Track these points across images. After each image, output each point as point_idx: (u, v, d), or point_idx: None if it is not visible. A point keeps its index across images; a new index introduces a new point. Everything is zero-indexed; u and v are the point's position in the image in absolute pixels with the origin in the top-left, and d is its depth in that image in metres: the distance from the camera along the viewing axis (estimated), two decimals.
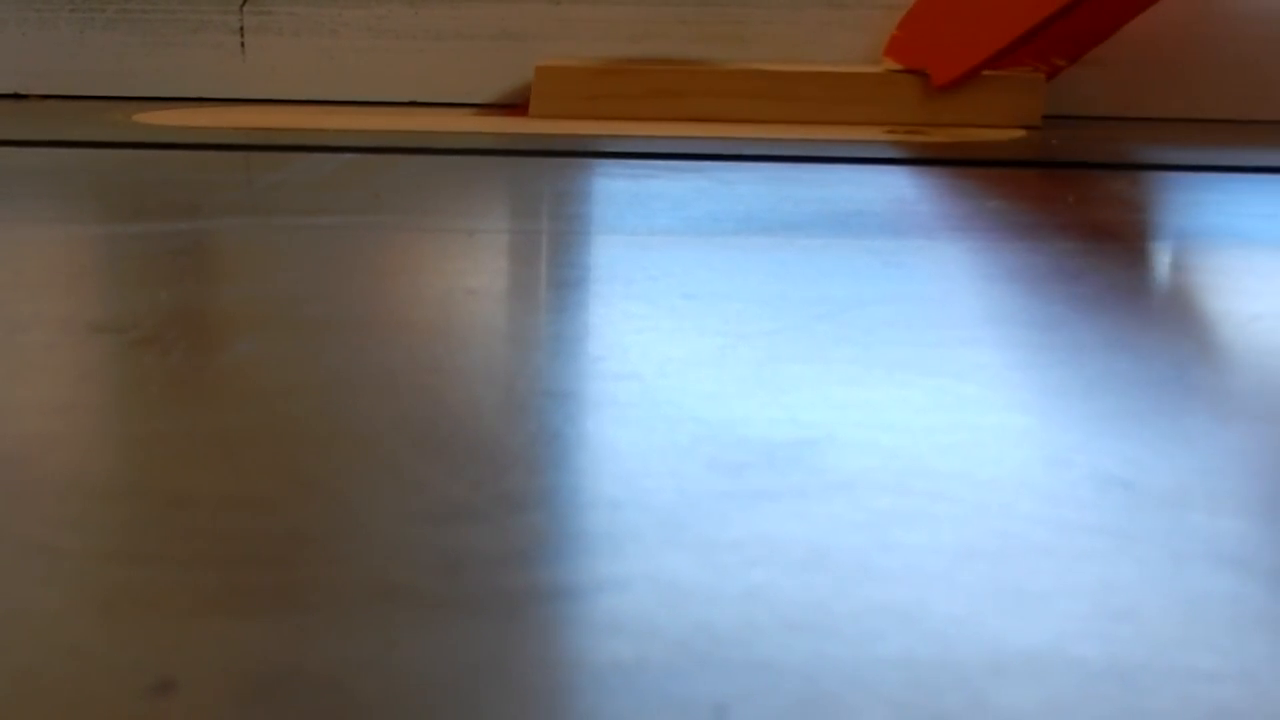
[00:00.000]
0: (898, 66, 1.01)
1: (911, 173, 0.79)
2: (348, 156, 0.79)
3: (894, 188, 0.74)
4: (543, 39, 1.09)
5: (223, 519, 0.26)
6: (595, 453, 0.30)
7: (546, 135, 0.88)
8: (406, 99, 1.10)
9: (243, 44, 1.10)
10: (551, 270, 0.51)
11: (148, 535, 0.25)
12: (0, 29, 1.10)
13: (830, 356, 0.38)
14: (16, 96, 1.10)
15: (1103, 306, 0.47)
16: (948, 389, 0.35)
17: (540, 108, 0.99)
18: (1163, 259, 0.57)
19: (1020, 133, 0.96)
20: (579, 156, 0.80)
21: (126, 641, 0.21)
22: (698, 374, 0.36)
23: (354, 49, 1.09)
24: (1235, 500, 0.28)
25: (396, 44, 1.09)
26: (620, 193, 0.68)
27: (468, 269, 0.50)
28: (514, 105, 1.06)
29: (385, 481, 0.28)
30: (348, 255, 0.52)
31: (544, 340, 0.40)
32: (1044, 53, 1.01)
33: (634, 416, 0.32)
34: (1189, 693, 0.20)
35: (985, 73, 0.99)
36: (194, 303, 0.44)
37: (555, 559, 0.25)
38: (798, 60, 1.05)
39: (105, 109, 1.01)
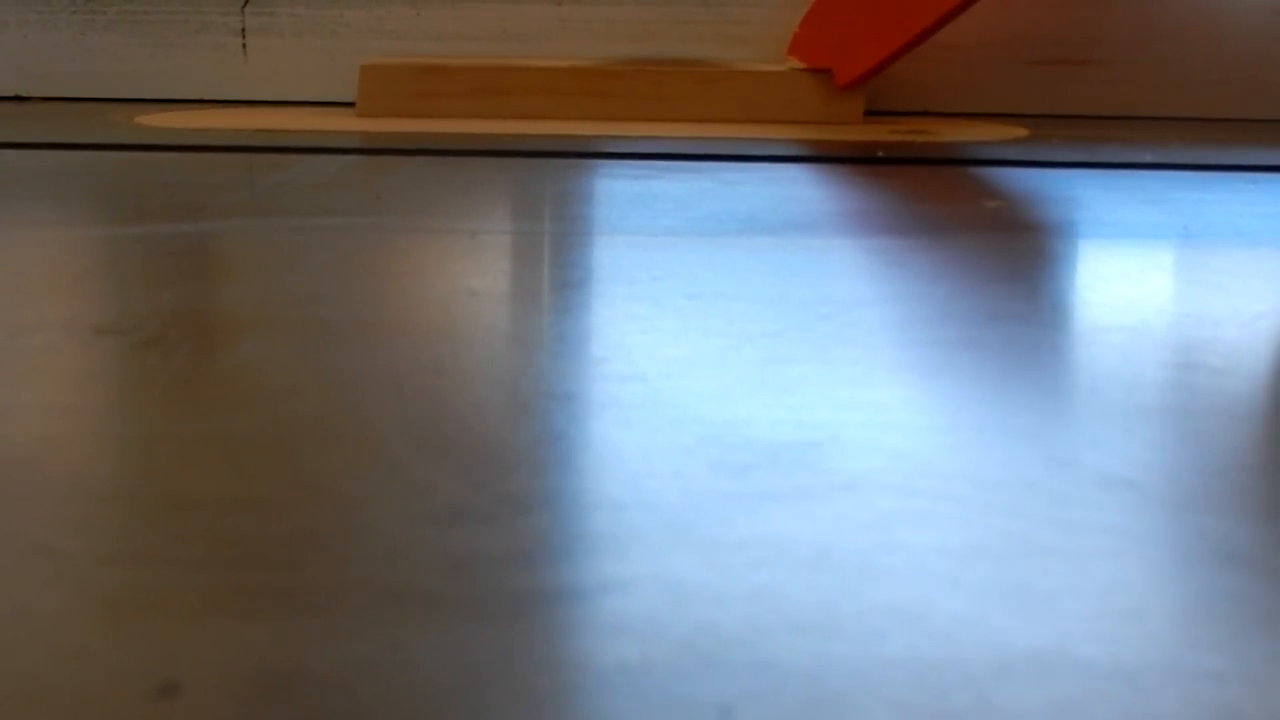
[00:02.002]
0: (801, 65, 1.01)
1: (913, 173, 0.79)
2: (350, 158, 0.79)
3: (896, 188, 0.74)
4: (544, 39, 1.09)
5: (226, 521, 0.26)
6: (599, 454, 0.30)
7: (546, 136, 0.88)
8: None
9: (244, 45, 1.10)
10: (554, 271, 0.51)
11: (151, 537, 0.25)
12: (1, 31, 1.10)
13: (834, 357, 0.38)
14: (18, 99, 1.10)
15: (1108, 304, 0.47)
16: (951, 389, 0.35)
17: (365, 107, 0.99)
18: (1166, 257, 0.57)
19: (1022, 131, 0.96)
20: (581, 157, 0.80)
21: (130, 644, 0.21)
22: (701, 375, 0.36)
23: (356, 50, 1.09)
24: (1240, 499, 0.28)
25: (398, 45, 1.09)
26: (623, 193, 0.68)
27: (471, 270, 0.50)
28: None
29: (389, 483, 0.28)
30: (350, 256, 0.52)
31: (547, 341, 0.40)
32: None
33: (638, 418, 0.32)
34: (1195, 693, 0.20)
35: (803, 70, 1.00)
36: (197, 304, 0.44)
37: (560, 560, 0.25)
38: (631, 59, 1.05)
39: (107, 111, 1.01)
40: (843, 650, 0.21)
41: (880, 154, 0.84)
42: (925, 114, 1.07)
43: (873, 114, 1.06)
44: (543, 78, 0.99)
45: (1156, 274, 0.54)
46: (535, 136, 0.88)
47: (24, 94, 1.11)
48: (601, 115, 0.97)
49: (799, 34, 1.05)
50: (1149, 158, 0.82)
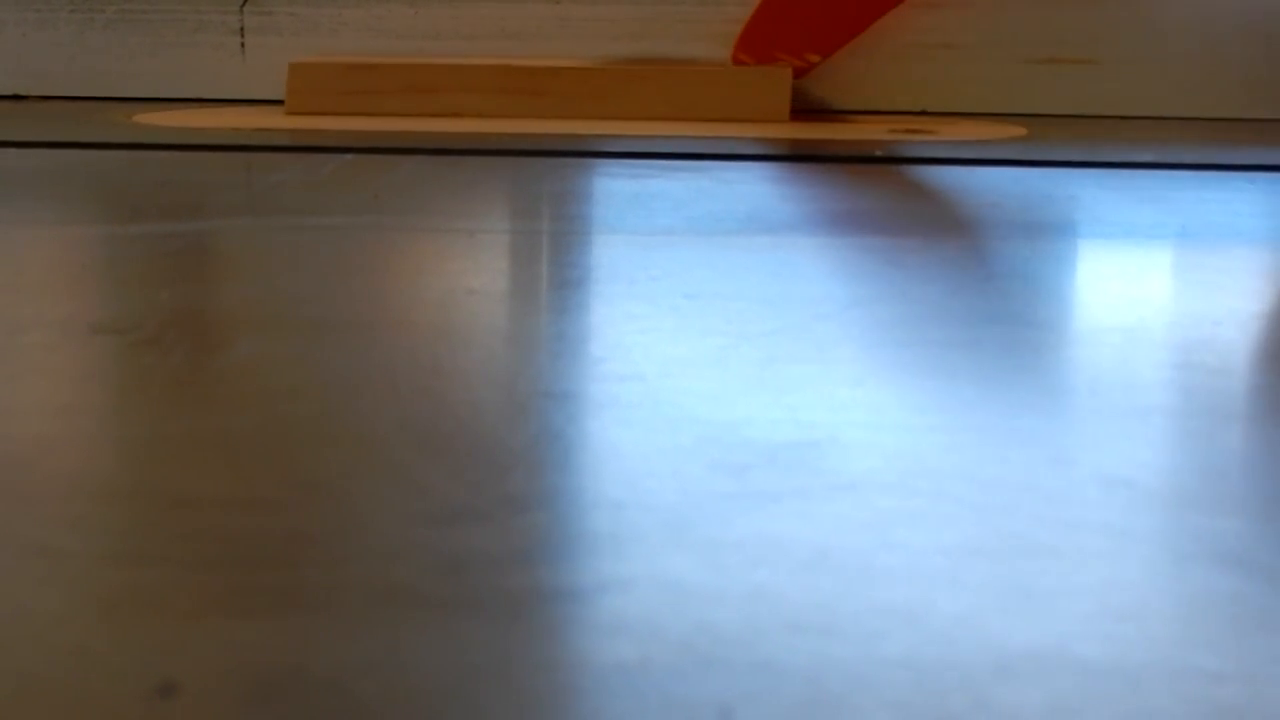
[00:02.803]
0: (748, 65, 1.02)
1: (911, 172, 0.79)
2: (347, 157, 0.79)
3: (894, 187, 0.74)
4: (542, 39, 1.09)
5: (224, 520, 0.26)
6: (597, 453, 0.30)
7: (545, 135, 0.88)
8: None
9: (243, 44, 1.10)
10: (552, 270, 0.51)
11: (149, 537, 0.25)
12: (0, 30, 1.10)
13: (832, 356, 0.38)
14: (16, 98, 1.10)
15: (1106, 304, 0.47)
16: (950, 389, 0.35)
17: (295, 104, 0.99)
18: (1164, 257, 0.57)
19: (1021, 130, 0.96)
20: (578, 156, 0.80)
21: (129, 643, 0.21)
22: (700, 374, 0.36)
23: (354, 49, 1.09)
24: (1238, 499, 0.28)
25: (396, 44, 1.09)
26: (620, 192, 0.68)
27: (468, 269, 0.50)
28: None
29: (387, 483, 0.28)
30: (348, 256, 0.52)
31: (545, 341, 0.40)
32: (798, 49, 1.01)
33: (636, 417, 0.32)
34: (1194, 693, 0.20)
35: (733, 67, 1.00)
36: (195, 304, 0.44)
37: (558, 560, 0.25)
38: (555, 56, 1.05)
39: (105, 110, 1.01)
40: (841, 650, 0.21)
41: (878, 153, 0.84)
42: (923, 113, 1.07)
43: (871, 113, 1.06)
44: (472, 76, 0.99)
45: (1155, 274, 0.54)
46: (530, 136, 0.88)
47: (22, 93, 1.10)
48: (528, 113, 0.97)
49: (743, 37, 1.04)
50: (1148, 157, 0.82)
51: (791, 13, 1.03)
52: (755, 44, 1.03)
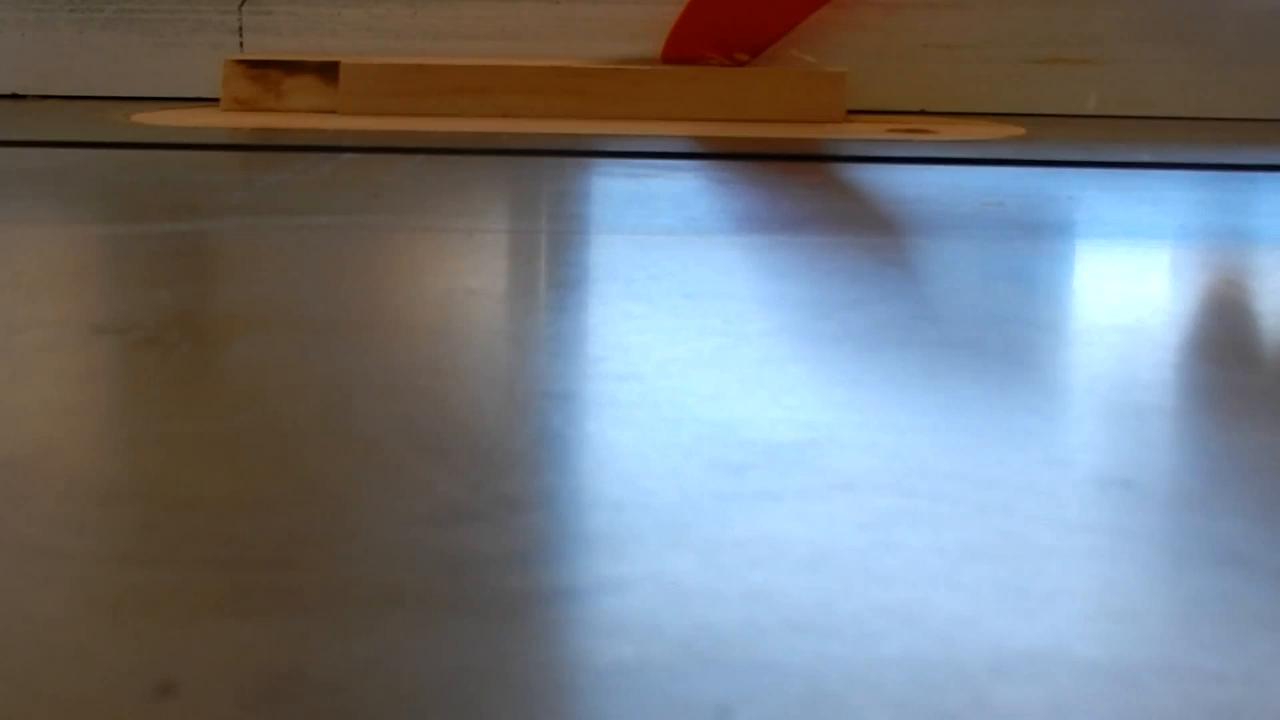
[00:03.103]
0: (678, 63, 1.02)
1: (912, 171, 0.79)
2: (347, 156, 0.79)
3: (895, 186, 0.74)
4: (542, 39, 1.09)
5: (224, 521, 0.26)
6: (596, 454, 0.30)
7: (545, 135, 0.88)
8: None
9: (241, 44, 1.10)
10: (552, 270, 0.51)
11: (148, 538, 0.25)
12: None
13: (831, 356, 0.38)
14: (14, 97, 1.10)
15: (1105, 304, 0.47)
16: (949, 389, 0.35)
17: (346, 105, 0.99)
18: (1163, 257, 0.57)
19: (1019, 130, 0.96)
20: (578, 156, 0.80)
21: (127, 644, 0.21)
22: (699, 374, 0.36)
23: (353, 49, 1.09)
24: (1237, 499, 0.28)
25: (395, 44, 1.09)
26: (620, 192, 0.68)
27: (467, 269, 0.50)
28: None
29: (386, 483, 0.28)
30: (348, 255, 0.52)
31: (544, 341, 0.40)
32: (728, 47, 1.02)
33: (635, 417, 0.32)
34: (1192, 693, 0.20)
35: (787, 68, 1.00)
36: (195, 304, 0.44)
37: (556, 560, 0.25)
38: (602, 58, 1.05)
39: (104, 109, 1.01)
40: (840, 650, 0.21)
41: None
42: (923, 113, 1.07)
43: (870, 113, 1.06)
44: (520, 77, 0.98)
45: (1154, 274, 0.54)
46: (531, 135, 0.88)
47: (20, 92, 1.10)
48: (579, 114, 0.97)
49: (672, 38, 1.04)
50: (1147, 157, 0.82)
51: (720, 11, 1.03)
52: (684, 42, 1.03)
